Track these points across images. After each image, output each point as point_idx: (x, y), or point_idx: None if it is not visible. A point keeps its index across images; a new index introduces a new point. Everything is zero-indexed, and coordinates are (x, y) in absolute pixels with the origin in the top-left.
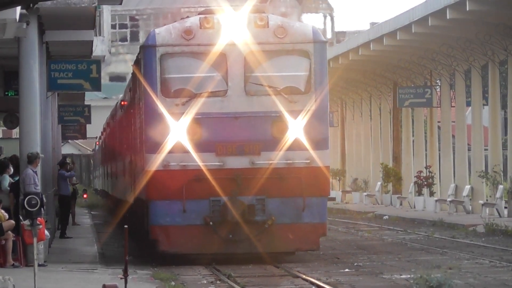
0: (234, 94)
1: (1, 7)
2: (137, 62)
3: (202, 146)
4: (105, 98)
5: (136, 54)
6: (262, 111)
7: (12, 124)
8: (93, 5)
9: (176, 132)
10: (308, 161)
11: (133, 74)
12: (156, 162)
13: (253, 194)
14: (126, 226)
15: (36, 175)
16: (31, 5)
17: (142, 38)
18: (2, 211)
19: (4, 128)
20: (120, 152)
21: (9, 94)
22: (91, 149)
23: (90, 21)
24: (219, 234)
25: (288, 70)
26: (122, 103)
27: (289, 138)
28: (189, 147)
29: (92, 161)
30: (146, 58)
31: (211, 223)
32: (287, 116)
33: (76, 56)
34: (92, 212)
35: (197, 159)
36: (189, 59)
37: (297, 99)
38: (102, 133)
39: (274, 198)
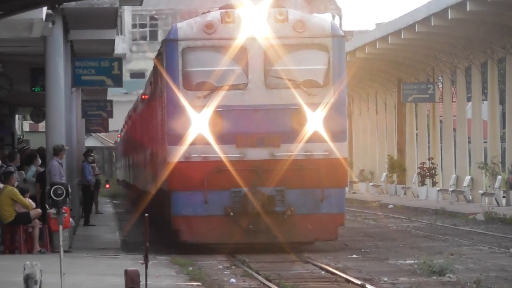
0: (254, 87)
1: (28, 8)
2: (159, 56)
3: (223, 138)
4: (126, 93)
5: (157, 50)
6: (281, 103)
7: (38, 118)
8: (115, 5)
9: (198, 125)
10: (327, 153)
11: (155, 67)
12: (178, 153)
13: (273, 185)
14: (146, 214)
15: (62, 166)
16: (57, 5)
17: (160, 37)
18: (30, 200)
19: (31, 122)
20: (141, 144)
21: (36, 90)
22: (113, 142)
23: (112, 20)
24: (240, 224)
25: (307, 63)
26: (143, 97)
27: (308, 130)
28: (210, 139)
29: (114, 153)
30: (168, 51)
31: (232, 213)
32: (306, 108)
33: (99, 53)
34: (114, 201)
35: (218, 151)
36: (210, 53)
37: (316, 92)
38: (123, 127)
39: (294, 189)
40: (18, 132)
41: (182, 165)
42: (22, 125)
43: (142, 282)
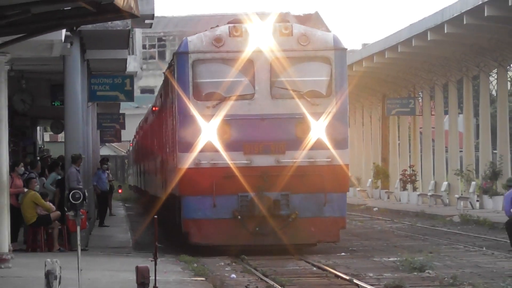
0: (260, 97)
1: (49, 30)
2: (170, 68)
3: (231, 146)
4: (137, 107)
5: (168, 63)
6: (286, 113)
7: (58, 130)
8: (127, 28)
9: (207, 133)
10: (329, 159)
11: (166, 79)
12: (188, 160)
13: (278, 190)
14: (155, 216)
15: (79, 173)
16: (74, 28)
17: (168, 56)
18: (50, 203)
19: (51, 133)
20: (151, 152)
21: (55, 104)
22: (125, 151)
23: (124, 41)
24: (247, 227)
25: (310, 75)
26: (154, 108)
27: (311, 138)
28: (219, 146)
29: (126, 161)
30: (179, 63)
31: (239, 217)
32: (309, 117)
33: (112, 71)
34: (126, 205)
35: (227, 158)
36: (219, 65)
37: (319, 102)
38: (134, 137)
39: (298, 194)
40: (39, 142)
41: (192, 171)
42: (43, 135)
43: (152, 278)
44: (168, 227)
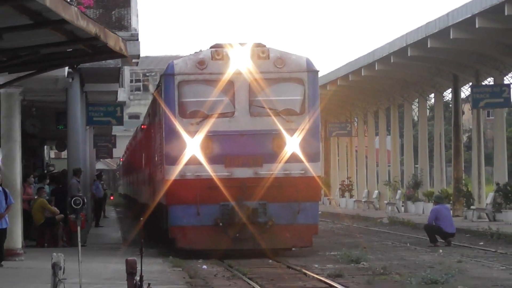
0: (240, 115)
1: (55, 67)
2: (158, 89)
3: (213, 159)
4: (125, 130)
5: (156, 85)
6: (264, 129)
7: (61, 148)
8: (118, 66)
9: (192, 147)
10: (303, 171)
11: (154, 99)
12: (174, 172)
13: (257, 199)
14: (141, 218)
15: (79, 183)
16: (75, 66)
17: (151, 89)
18: (55, 208)
19: (56, 151)
20: (140, 165)
21: (60, 128)
22: (115, 165)
23: (115, 77)
24: (228, 233)
25: (285, 94)
26: (142, 126)
27: (287, 152)
28: (202, 160)
29: (117, 173)
30: (166, 84)
31: (221, 224)
32: (285, 133)
33: (106, 101)
34: (117, 209)
35: (209, 170)
36: (202, 86)
37: (293, 119)
38: (124, 153)
39: (274, 203)
40: (46, 158)
41: (178, 182)
42: (49, 153)
43: (138, 268)
44: (151, 228)
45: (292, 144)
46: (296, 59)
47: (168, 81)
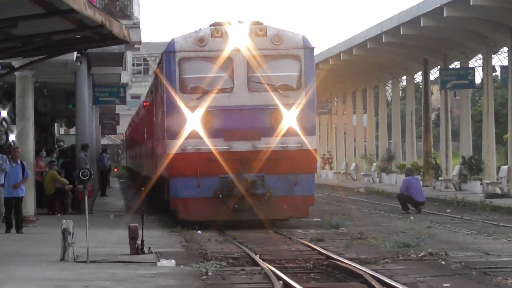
0: (239, 91)
1: (65, 52)
2: (159, 66)
3: (213, 133)
4: (128, 109)
5: (158, 61)
6: (262, 104)
7: (70, 125)
8: (121, 51)
9: (192, 122)
10: (300, 144)
11: (155, 77)
12: (175, 146)
13: (255, 172)
14: (142, 189)
15: (87, 157)
16: (83, 51)
17: (151, 72)
18: (64, 179)
19: (65, 128)
20: (142, 139)
21: (69, 107)
22: (119, 141)
23: (119, 61)
24: (227, 204)
25: (283, 71)
26: (144, 103)
27: (284, 126)
28: (202, 134)
29: (120, 147)
30: (167, 61)
31: (220, 195)
32: (282, 108)
33: (110, 82)
34: (120, 180)
35: (209, 144)
36: (202, 62)
37: (290, 94)
38: (127, 129)
39: (272, 175)
40: (57, 135)
41: (179, 155)
42: (59, 130)
43: (140, 233)
44: (152, 198)
45: (289, 118)
46: (293, 36)
47: (169, 58)
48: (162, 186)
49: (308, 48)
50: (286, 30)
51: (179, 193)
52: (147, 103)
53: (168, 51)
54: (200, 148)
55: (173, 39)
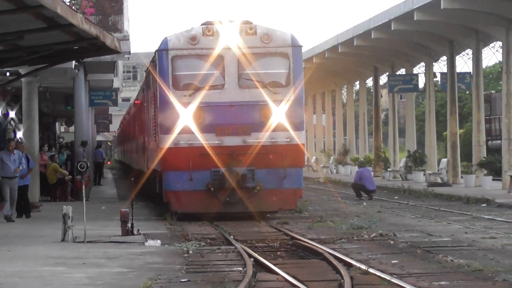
0: (230, 87)
1: (64, 61)
2: (152, 63)
3: (205, 128)
4: (119, 110)
5: (151, 59)
6: (252, 100)
7: (69, 124)
8: (113, 60)
9: (184, 117)
10: (288, 139)
11: (148, 73)
12: (168, 141)
13: (245, 166)
14: (132, 179)
15: (84, 152)
16: (80, 60)
17: (140, 79)
18: (64, 171)
19: (65, 126)
20: (130, 136)
21: (68, 108)
22: (112, 137)
23: (111, 68)
24: (219, 197)
25: (272, 68)
26: (136, 101)
27: (273, 122)
28: (195, 129)
29: (113, 143)
30: (160, 59)
31: (212, 189)
32: (271, 104)
33: (104, 87)
34: (112, 171)
35: (201, 139)
36: (194, 60)
37: (279, 91)
38: (118, 128)
39: (262, 169)
40: (58, 132)
41: (172, 150)
42: (60, 128)
43: (130, 217)
44: (141, 189)
45: (278, 114)
46: (282, 35)
47: (162, 55)
48: (153, 179)
49: (296, 46)
50: (275, 29)
51: (172, 186)
52: (138, 101)
53: (161, 49)
54: (192, 143)
55: (166, 38)
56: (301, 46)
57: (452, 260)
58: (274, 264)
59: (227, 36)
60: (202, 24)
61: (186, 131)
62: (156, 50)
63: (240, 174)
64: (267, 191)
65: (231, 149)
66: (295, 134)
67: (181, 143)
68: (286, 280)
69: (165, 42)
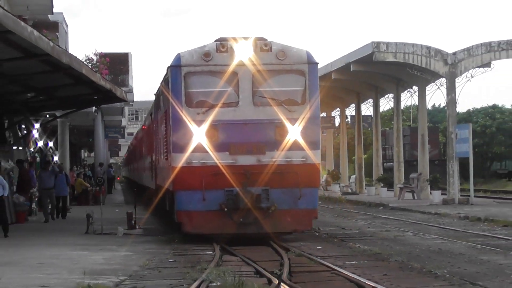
0: (244, 105)
1: (87, 107)
2: (165, 80)
3: (218, 147)
4: (126, 141)
5: (164, 75)
6: (266, 118)
7: (91, 151)
8: (122, 106)
9: (198, 136)
10: (304, 159)
11: (158, 94)
12: (181, 160)
13: (260, 185)
14: (135, 189)
15: (101, 170)
16: (98, 106)
17: (141, 119)
18: (87, 184)
19: (88, 152)
20: (139, 156)
21: (90, 140)
22: (121, 160)
23: (120, 112)
24: (233, 218)
25: (287, 85)
26: (143, 127)
27: (288, 140)
28: (208, 147)
29: (121, 164)
30: (173, 76)
31: (226, 209)
32: (286, 122)
33: (115, 125)
34: (121, 185)
35: (215, 158)
36: (207, 77)
37: (294, 109)
38: (126, 152)
39: (276, 188)
40: (83, 157)
41: (185, 169)
42: (84, 154)
43: (133, 216)
44: (143, 197)
45: (294, 132)
46: (297, 51)
47: (175, 72)
48: (163, 198)
49: (312, 64)
50: (291, 46)
51: (184, 206)
52: (145, 127)
53: (174, 65)
54: (205, 162)
55: (178, 54)
56: (317, 63)
57: (359, 246)
58: (235, 250)
59: (241, 52)
60: (215, 41)
61: (199, 149)
62: (168, 67)
63: (254, 194)
64: (282, 212)
65: (245, 168)
66: (310, 153)
67: (194, 162)
68: (243, 260)
69: (177, 58)
